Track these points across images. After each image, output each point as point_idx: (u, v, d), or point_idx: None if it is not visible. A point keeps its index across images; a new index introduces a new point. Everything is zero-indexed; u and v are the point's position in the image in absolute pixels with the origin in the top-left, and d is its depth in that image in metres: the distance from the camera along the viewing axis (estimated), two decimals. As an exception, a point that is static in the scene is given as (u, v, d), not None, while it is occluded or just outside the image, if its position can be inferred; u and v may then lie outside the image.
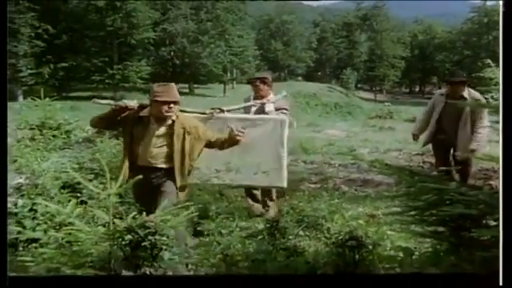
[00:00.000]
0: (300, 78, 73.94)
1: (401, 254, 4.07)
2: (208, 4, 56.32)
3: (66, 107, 12.44)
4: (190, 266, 3.60)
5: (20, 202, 5.84)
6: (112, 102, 5.24)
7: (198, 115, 5.71)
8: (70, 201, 3.94)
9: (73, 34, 50.88)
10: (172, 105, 5.03)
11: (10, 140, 6.11)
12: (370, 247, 3.78)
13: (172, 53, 55.79)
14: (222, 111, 5.91)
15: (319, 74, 76.65)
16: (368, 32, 73.94)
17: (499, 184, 3.29)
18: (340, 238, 3.84)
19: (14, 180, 6.04)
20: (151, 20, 52.23)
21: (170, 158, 5.02)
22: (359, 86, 67.26)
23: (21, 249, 4.97)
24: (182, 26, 54.25)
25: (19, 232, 4.08)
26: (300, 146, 14.71)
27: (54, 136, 9.65)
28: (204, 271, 3.66)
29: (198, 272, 3.64)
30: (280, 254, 3.81)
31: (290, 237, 4.57)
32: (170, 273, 3.22)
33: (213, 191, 6.93)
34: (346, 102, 52.83)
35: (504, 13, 3.43)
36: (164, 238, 3.14)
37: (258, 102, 6.71)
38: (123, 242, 3.15)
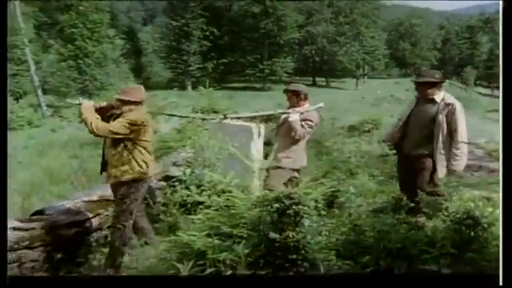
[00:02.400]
0: (424, 74, 71.45)
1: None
2: (346, 9, 55.61)
3: (224, 96, 12.90)
4: (323, 233, 3.62)
5: (187, 171, 6.14)
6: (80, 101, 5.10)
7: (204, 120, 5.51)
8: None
9: (232, 36, 52.36)
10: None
11: (183, 122, 6.37)
12: (485, 226, 3.64)
13: (313, 51, 55.72)
14: (225, 118, 5.75)
15: (441, 71, 73.59)
16: (490, 34, 69.95)
17: (499, 184, 3.10)
18: (458, 216, 3.72)
19: (186, 153, 6.35)
20: (297, 23, 52.42)
21: None
22: (478, 82, 63.78)
23: (190, 209, 5.23)
24: (323, 29, 54.02)
25: (188, 195, 4.28)
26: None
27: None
28: (336, 237, 3.68)
29: (330, 239, 3.65)
30: (403, 227, 3.76)
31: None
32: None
33: (345, 170, 6.91)
34: (465, 96, 50.30)
35: (504, 13, 3.21)
36: (305, 208, 3.20)
37: (280, 110, 6.33)
38: (271, 209, 3.24)
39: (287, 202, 3.16)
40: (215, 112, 10.61)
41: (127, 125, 4.81)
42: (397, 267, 3.35)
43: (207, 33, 50.39)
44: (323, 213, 3.68)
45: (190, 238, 3.49)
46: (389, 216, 3.99)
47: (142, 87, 5.25)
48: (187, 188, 5.37)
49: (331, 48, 54.13)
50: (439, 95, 5.67)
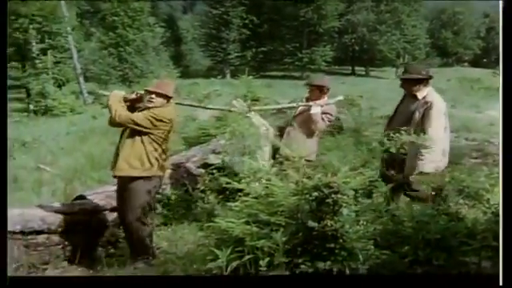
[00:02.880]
0: (466, 64, 69.98)
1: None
2: (388, -3, 54.85)
3: (263, 84, 12.95)
4: (361, 221, 3.60)
5: (226, 158, 6.19)
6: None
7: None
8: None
9: (272, 24, 52.08)
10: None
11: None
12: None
13: (353, 40, 55.07)
14: (250, 111, 5.64)
15: (485, 60, 71.96)
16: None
17: (499, 184, 3.06)
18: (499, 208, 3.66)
19: (225, 141, 6.38)
20: (337, 11, 51.86)
21: None
22: (523, 72, 62.00)
23: (228, 196, 5.27)
24: (363, 17, 53.35)
25: (227, 183, 4.31)
26: (463, 125, 14.05)
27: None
28: (374, 227, 3.66)
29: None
30: (442, 218, 3.70)
31: (451, 204, 4.42)
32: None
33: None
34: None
35: (504, 13, 3.17)
36: (344, 197, 3.19)
37: (302, 103, 6.18)
38: (310, 198, 3.24)
39: (326, 191, 3.15)
40: (254, 100, 10.66)
41: (151, 118, 4.76)
42: (435, 258, 3.32)
43: (247, 21, 50.38)
44: (362, 202, 3.66)
45: (228, 224, 3.52)
46: (428, 206, 3.94)
47: (173, 83, 5.23)
48: (226, 175, 5.40)
49: (371, 37, 53.41)
50: (422, 92, 5.40)
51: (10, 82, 33.28)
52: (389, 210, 4.12)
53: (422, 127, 5.21)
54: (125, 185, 4.86)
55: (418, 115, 5.31)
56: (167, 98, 4.91)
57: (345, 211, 3.24)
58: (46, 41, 33.80)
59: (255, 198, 3.77)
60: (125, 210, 4.88)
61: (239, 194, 4.07)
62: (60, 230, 5.08)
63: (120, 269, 4.77)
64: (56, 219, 5.12)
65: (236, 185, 4.06)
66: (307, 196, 3.30)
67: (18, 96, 36.50)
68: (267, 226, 3.41)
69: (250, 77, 11.93)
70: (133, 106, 4.98)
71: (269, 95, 11.77)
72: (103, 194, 5.73)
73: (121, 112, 4.79)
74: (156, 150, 4.83)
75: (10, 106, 32.62)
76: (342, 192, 3.18)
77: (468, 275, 3.20)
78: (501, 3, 3.24)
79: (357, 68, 55.39)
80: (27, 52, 33.68)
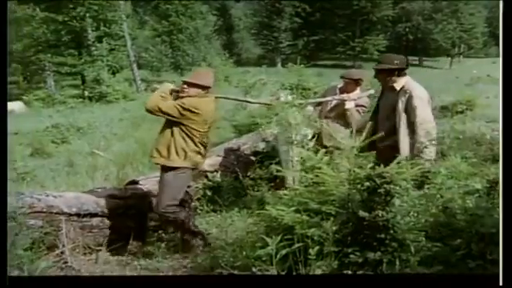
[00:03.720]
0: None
1: None
2: (445, -16, 53.44)
3: (314, 73, 12.86)
4: (411, 213, 3.55)
5: (275, 147, 6.20)
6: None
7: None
8: (319, 150, 4.14)
9: (324, 12, 51.58)
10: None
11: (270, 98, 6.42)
12: None
13: (407, 29, 54.01)
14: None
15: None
16: None
17: (499, 184, 2.99)
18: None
19: (275, 129, 6.40)
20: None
21: None
22: None
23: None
24: (418, 5, 52.23)
25: (277, 171, 4.33)
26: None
27: (304, 97, 10.01)
28: (425, 219, 3.61)
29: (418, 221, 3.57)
30: (497, 211, 3.62)
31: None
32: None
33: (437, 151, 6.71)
34: None
35: (504, 13, 3.11)
36: (397, 188, 3.15)
37: (337, 97, 6.02)
38: (361, 188, 3.22)
39: (378, 181, 3.11)
40: (304, 89, 10.62)
41: (178, 107, 4.67)
42: (489, 252, 3.24)
43: (299, 9, 50.10)
44: (414, 193, 3.61)
45: (278, 212, 3.53)
46: (483, 199, 3.85)
47: (211, 73, 5.14)
48: (276, 163, 5.41)
49: (426, 25, 52.23)
50: (399, 82, 5.15)
51: (66, 69, 34.24)
52: (441, 201, 4.05)
53: (408, 119, 5.02)
54: (161, 172, 4.94)
55: (401, 106, 5.07)
56: (203, 88, 4.85)
57: (397, 202, 3.20)
58: (102, 28, 34.47)
59: (305, 186, 3.77)
60: (156, 198, 5.01)
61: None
62: (113, 213, 5.21)
63: (170, 253, 4.89)
64: (109, 203, 5.26)
65: (286, 173, 4.07)
66: (359, 186, 3.28)
67: (73, 83, 37.45)
68: (317, 215, 3.40)
69: (301, 65, 11.88)
70: (178, 97, 4.92)
71: (319, 84, 11.67)
72: (154, 180, 5.83)
73: (151, 99, 4.78)
74: (185, 141, 4.76)
75: (66, 92, 33.54)
76: (394, 182, 3.14)
77: (468, 275, 3.14)
78: (501, 3, 3.20)
79: (410, 57, 54.17)
80: (83, 39, 34.45)
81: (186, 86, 4.80)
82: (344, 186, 3.48)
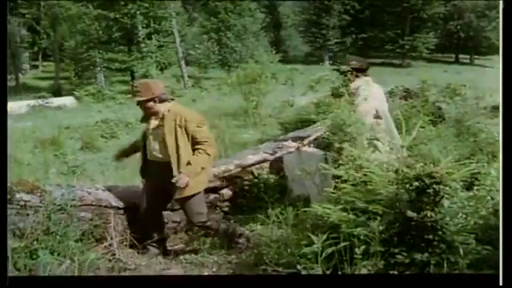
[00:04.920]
0: None
1: None
2: (504, -20, 51.80)
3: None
4: (460, 214, 3.48)
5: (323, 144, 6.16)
6: None
7: None
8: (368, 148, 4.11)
9: (373, 10, 50.90)
10: (152, 102, 4.65)
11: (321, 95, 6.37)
12: None
13: (459, 26, 52.76)
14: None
15: None
16: None
17: (500, 184, 2.92)
18: None
19: (324, 127, 6.35)
20: (444, -4, 50.04)
21: (165, 151, 4.62)
22: None
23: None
24: (471, 3, 50.99)
25: (325, 169, 4.30)
26: None
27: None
28: (474, 221, 3.52)
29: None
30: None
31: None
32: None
33: (488, 152, 6.54)
34: None
35: (504, 13, 3.07)
36: (447, 188, 3.10)
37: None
38: (410, 187, 3.18)
39: (428, 181, 3.06)
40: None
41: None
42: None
43: (348, 7, 49.62)
44: (463, 194, 3.53)
45: (324, 210, 3.52)
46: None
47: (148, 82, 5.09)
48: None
49: (479, 23, 50.94)
50: (356, 83, 5.34)
51: (116, 65, 34.88)
52: (491, 203, 3.96)
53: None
54: None
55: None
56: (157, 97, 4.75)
57: (446, 203, 3.15)
58: (152, 25, 34.98)
59: (353, 185, 3.74)
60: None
61: (337, 180, 4.06)
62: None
63: (216, 249, 4.93)
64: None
65: (334, 171, 4.04)
66: (407, 185, 3.23)
67: (123, 79, 38.13)
68: (364, 214, 3.38)
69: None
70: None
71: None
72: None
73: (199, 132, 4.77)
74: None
75: (116, 88, 34.16)
76: (444, 183, 3.08)
77: (468, 275, 3.08)
78: (501, 3, 3.16)
79: (461, 56, 53.07)
80: (133, 36, 35.03)
81: (152, 103, 4.73)
82: (392, 186, 3.43)
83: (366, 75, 5.46)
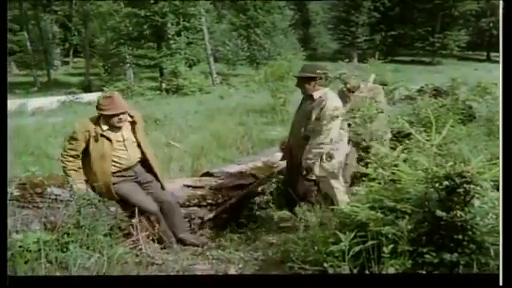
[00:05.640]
0: None
1: None
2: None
3: (391, 69, 12.61)
4: (490, 215, 3.42)
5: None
6: None
7: None
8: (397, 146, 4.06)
9: (404, 7, 50.35)
10: (121, 116, 4.70)
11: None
12: None
13: (491, 24, 51.92)
14: None
15: None
16: None
17: (500, 184, 2.90)
18: None
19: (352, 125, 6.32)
20: (478, -7, 49.25)
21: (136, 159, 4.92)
22: None
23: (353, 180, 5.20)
24: (505, -1, 50.09)
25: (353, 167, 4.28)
26: None
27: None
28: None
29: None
30: None
31: None
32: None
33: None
34: None
35: (504, 13, 3.04)
36: (478, 188, 3.04)
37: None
38: (440, 187, 3.13)
39: (458, 181, 3.01)
40: (382, 84, 10.42)
41: None
42: None
43: (378, 4, 49.22)
44: (493, 194, 3.47)
45: (352, 208, 3.49)
46: None
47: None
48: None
49: (512, 21, 50.03)
50: (318, 92, 5.20)
51: (145, 62, 35.18)
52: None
53: (316, 127, 5.03)
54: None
55: (313, 115, 5.09)
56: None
57: (476, 202, 3.09)
58: (181, 22, 35.20)
59: (381, 183, 3.71)
60: None
61: (364, 178, 4.02)
62: (187, 203, 5.32)
63: (243, 245, 4.94)
64: (184, 193, 5.38)
65: (362, 169, 4.01)
66: (437, 184, 3.18)
67: (151, 75, 38.46)
68: (392, 213, 3.34)
69: (378, 61, 11.72)
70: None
71: (396, 80, 11.44)
72: (228, 173, 5.91)
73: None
74: None
75: (145, 84, 34.46)
76: (474, 182, 3.03)
77: (468, 275, 3.02)
78: (501, 3, 3.12)
79: (492, 54, 52.24)
80: (163, 33, 35.29)
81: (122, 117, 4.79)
82: (421, 185, 3.38)
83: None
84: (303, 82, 5.27)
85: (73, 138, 4.71)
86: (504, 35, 3.12)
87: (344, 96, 6.17)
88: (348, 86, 6.32)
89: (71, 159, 4.72)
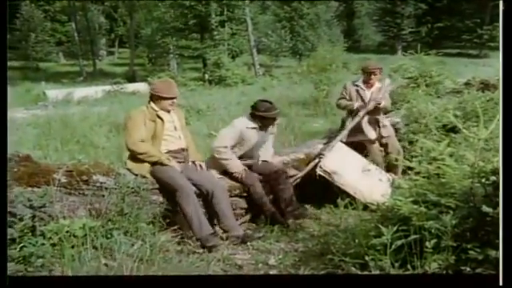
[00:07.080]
0: None
1: None
2: None
3: (436, 61, 12.36)
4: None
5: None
6: None
7: None
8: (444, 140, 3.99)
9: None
10: (174, 100, 5.08)
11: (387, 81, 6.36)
12: None
13: (542, 16, 50.38)
14: None
15: None
16: None
17: (500, 183, 2.88)
18: None
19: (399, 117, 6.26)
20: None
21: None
22: None
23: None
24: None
25: (396, 160, 4.23)
26: None
27: (427, 85, 9.66)
28: None
29: None
30: None
31: None
32: None
33: None
34: None
35: (504, 12, 3.06)
36: (525, 183, 2.97)
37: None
38: (486, 182, 3.07)
39: (506, 176, 2.95)
40: (426, 77, 10.24)
41: None
42: None
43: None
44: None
45: (395, 202, 3.45)
46: None
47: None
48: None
49: None
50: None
51: (189, 53, 35.43)
52: None
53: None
54: None
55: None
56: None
57: (523, 198, 3.02)
58: (225, 13, 35.28)
59: (426, 177, 3.65)
60: None
61: (409, 172, 3.98)
62: (229, 194, 5.35)
63: (283, 236, 4.95)
64: (226, 183, 5.42)
65: (406, 163, 3.96)
66: (483, 179, 3.12)
67: (195, 66, 38.70)
68: (436, 207, 3.29)
69: (422, 53, 11.50)
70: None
71: (442, 73, 11.20)
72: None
73: None
74: None
75: (188, 75, 34.73)
76: (525, 178, 2.95)
77: (468, 275, 2.98)
78: (501, 3, 3.12)
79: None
80: (207, 24, 35.43)
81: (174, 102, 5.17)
82: (467, 179, 3.32)
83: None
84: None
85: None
86: (504, 35, 3.14)
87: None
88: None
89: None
